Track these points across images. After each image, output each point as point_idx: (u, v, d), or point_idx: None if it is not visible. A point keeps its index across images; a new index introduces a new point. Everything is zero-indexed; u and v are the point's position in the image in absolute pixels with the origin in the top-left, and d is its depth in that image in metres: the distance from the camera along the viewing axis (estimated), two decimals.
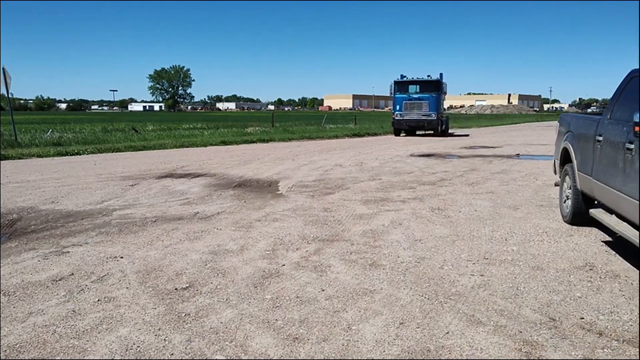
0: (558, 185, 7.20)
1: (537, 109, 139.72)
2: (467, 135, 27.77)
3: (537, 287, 4.27)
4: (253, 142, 21.74)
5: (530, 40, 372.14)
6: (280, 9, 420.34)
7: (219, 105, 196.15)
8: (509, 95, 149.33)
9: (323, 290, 4.24)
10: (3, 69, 16.26)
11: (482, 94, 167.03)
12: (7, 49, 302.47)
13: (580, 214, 6.17)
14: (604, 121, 5.43)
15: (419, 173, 11.70)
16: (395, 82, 25.99)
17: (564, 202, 6.72)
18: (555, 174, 7.44)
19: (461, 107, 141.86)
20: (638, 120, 4.14)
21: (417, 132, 27.01)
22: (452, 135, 28.04)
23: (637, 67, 5.17)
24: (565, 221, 6.61)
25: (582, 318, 3.65)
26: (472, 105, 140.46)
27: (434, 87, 25.53)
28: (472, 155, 16.16)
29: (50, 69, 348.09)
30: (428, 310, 3.82)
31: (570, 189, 6.44)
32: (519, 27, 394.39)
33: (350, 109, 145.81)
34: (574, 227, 6.36)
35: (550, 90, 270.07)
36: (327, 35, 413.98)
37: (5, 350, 3.20)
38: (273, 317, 3.71)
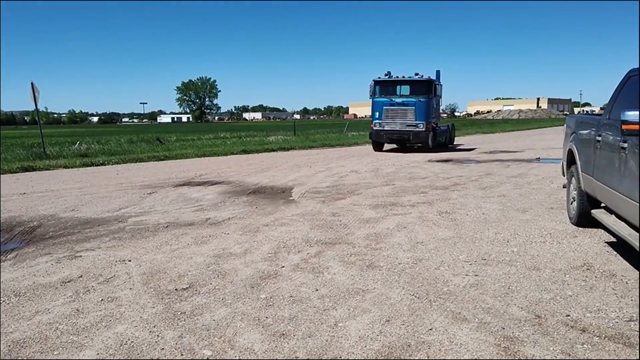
0: (566, 187, 7.16)
1: (567, 113, 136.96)
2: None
3: (530, 287, 4.30)
4: (274, 150, 21.99)
5: (560, 43, 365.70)
6: (304, 19, 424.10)
7: (246, 115, 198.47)
8: (538, 99, 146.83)
9: (317, 290, 4.35)
10: (32, 83, 16.93)
11: (511, 98, 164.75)
12: (41, 65, 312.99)
13: (586, 215, 6.13)
14: (603, 121, 5.43)
15: (433, 178, 11.71)
16: (375, 82, 20.08)
17: (571, 203, 6.69)
18: (564, 175, 7.39)
19: (488, 112, 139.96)
20: (626, 119, 4.15)
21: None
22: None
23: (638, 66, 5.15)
24: (571, 223, 6.57)
25: (568, 315, 3.67)
26: (500, 110, 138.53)
27: (424, 89, 19.54)
28: (491, 160, 16.04)
29: (82, 84, 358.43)
30: (416, 308, 3.89)
31: (576, 190, 6.41)
32: (549, 29, 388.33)
33: None
34: (580, 228, 6.32)
35: (581, 94, 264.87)
36: (352, 43, 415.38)
37: (9, 345, 3.42)
38: (264, 315, 3.84)
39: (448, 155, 17.88)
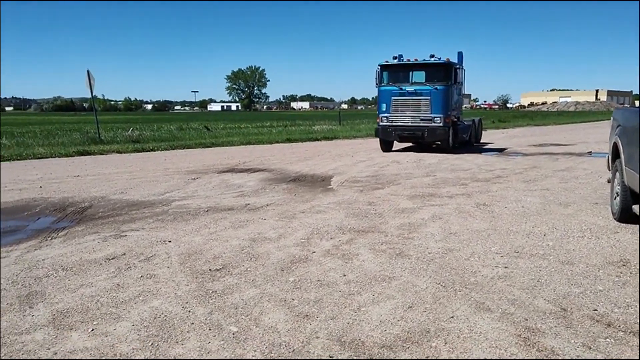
0: (610, 182, 6.94)
1: (628, 106, 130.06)
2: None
3: (560, 280, 4.24)
4: (317, 139, 22.15)
5: (622, 31, 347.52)
6: (353, 8, 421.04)
7: (293, 104, 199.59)
8: (597, 91, 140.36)
9: (344, 275, 4.45)
10: (87, 71, 17.71)
11: (568, 90, 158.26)
12: (101, 54, 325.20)
13: (628, 210, 5.94)
14: None
15: (476, 170, 11.54)
16: (382, 66, 16.19)
17: (614, 198, 6.48)
18: (609, 170, 7.16)
19: (543, 104, 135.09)
20: None
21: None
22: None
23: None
24: (614, 218, 6.38)
25: (595, 310, 3.62)
26: (555, 102, 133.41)
27: (442, 75, 15.60)
28: (539, 152, 15.61)
29: (138, 72, 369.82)
30: (440, 296, 3.93)
31: (619, 185, 6.21)
32: (611, 17, 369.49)
33: None
34: (622, 224, 6.13)
35: None
36: (401, 31, 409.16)
37: (54, 314, 3.70)
38: (291, 297, 3.98)
39: (492, 147, 17.48)
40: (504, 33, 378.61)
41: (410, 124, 15.88)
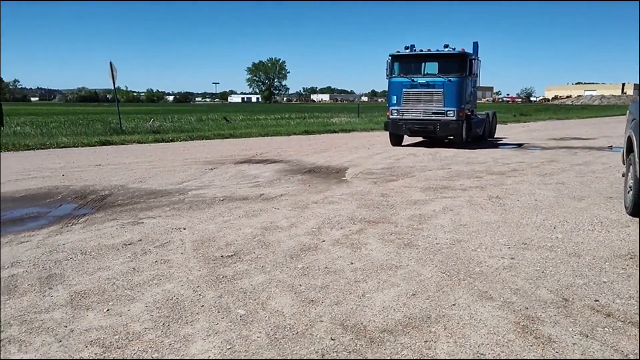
0: (624, 176, 6.90)
1: None
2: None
3: (565, 272, 4.28)
4: (335, 132, 22.22)
5: None
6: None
7: (313, 96, 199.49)
8: (623, 84, 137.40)
9: (352, 264, 4.56)
10: (110, 63, 18.03)
11: (593, 83, 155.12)
12: (124, 46, 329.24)
13: None
14: None
15: (492, 163, 11.52)
16: (392, 57, 15.50)
17: (628, 192, 6.45)
18: (623, 164, 7.12)
19: (567, 97, 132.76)
20: None
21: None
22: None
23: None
24: (627, 212, 6.36)
25: (597, 300, 3.67)
26: (580, 96, 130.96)
27: (456, 66, 14.88)
28: (558, 146, 15.45)
29: (160, 64, 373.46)
30: (444, 285, 4.01)
31: (632, 179, 6.18)
32: (637, 12, 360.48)
33: None
34: (635, 218, 6.11)
35: None
36: (421, 22, 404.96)
37: (72, 295, 3.89)
38: (298, 283, 4.10)
39: (510, 140, 17.33)
40: (529, 25, 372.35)
41: (421, 117, 15.18)
